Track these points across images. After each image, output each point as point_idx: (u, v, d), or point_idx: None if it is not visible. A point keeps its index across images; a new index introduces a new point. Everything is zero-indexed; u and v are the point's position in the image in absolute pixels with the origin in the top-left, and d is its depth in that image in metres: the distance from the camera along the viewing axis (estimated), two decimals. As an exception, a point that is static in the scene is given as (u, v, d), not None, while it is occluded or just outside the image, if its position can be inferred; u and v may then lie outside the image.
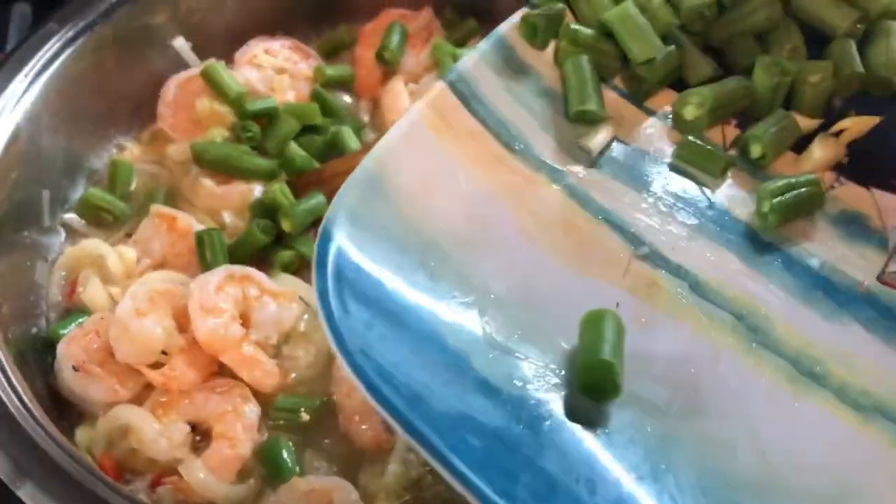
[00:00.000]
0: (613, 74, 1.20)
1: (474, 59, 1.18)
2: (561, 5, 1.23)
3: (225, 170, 1.43)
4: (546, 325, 0.97)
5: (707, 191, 1.10)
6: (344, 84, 1.61)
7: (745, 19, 1.20)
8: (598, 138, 1.15)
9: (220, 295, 1.24)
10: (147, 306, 1.23)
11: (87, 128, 1.47)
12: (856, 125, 1.15)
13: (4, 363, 1.14)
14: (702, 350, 0.97)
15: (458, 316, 0.97)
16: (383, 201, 1.02)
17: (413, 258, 0.99)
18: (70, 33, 1.40)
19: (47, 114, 1.36)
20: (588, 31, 1.19)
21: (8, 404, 1.09)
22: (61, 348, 1.24)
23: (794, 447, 0.91)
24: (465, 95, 1.14)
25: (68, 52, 1.39)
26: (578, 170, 1.11)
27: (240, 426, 1.19)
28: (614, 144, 1.14)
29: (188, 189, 1.44)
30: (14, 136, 1.30)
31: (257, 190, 1.41)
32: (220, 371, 1.25)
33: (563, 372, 0.94)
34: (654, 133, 1.15)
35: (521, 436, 0.87)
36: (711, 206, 1.08)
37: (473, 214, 1.05)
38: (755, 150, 1.11)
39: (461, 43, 1.63)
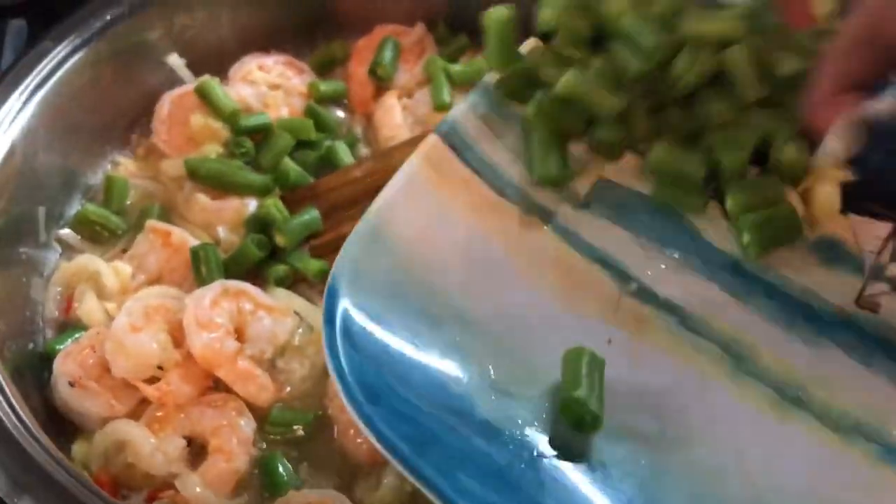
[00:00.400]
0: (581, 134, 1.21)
1: (464, 110, 1.22)
2: (529, 68, 1.24)
3: (219, 185, 1.43)
4: (542, 363, 1.01)
5: (689, 224, 1.12)
6: (337, 99, 1.62)
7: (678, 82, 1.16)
8: (583, 181, 1.18)
9: (215, 310, 1.25)
10: (142, 321, 1.24)
11: (82, 144, 1.48)
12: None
13: (1, 379, 1.14)
14: (690, 381, 1.01)
15: (460, 360, 1.02)
16: (384, 254, 1.07)
17: (415, 306, 1.04)
18: (65, 50, 1.41)
19: (43, 130, 1.37)
20: (550, 99, 1.19)
21: (5, 420, 1.09)
22: (57, 364, 1.24)
23: (778, 469, 0.94)
24: (457, 146, 1.18)
25: (64, 69, 1.40)
26: (567, 210, 1.14)
27: (235, 440, 1.20)
28: (600, 182, 1.16)
29: (183, 204, 1.45)
30: (10, 152, 1.31)
31: (251, 205, 1.42)
32: (215, 385, 1.25)
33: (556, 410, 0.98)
34: (637, 169, 1.17)
35: (523, 475, 0.91)
36: (693, 238, 1.11)
37: (470, 259, 1.10)
38: (745, 238, 1.11)
39: (454, 58, 1.64)
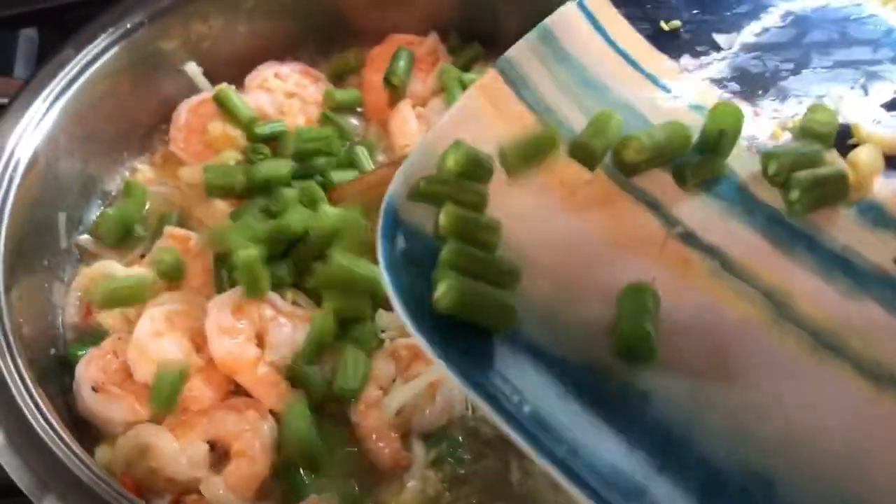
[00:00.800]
0: None
1: (522, 47, 1.23)
2: None
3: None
4: (588, 294, 1.03)
5: (734, 176, 1.15)
6: (352, 107, 1.64)
7: None
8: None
9: (236, 316, 1.27)
10: (165, 327, 1.26)
11: (101, 151, 1.49)
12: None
13: (28, 382, 1.15)
14: (731, 323, 1.04)
15: None
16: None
17: None
18: (86, 59, 1.42)
19: (64, 137, 1.39)
20: None
21: (31, 420, 1.11)
22: (80, 369, 1.26)
23: (814, 412, 0.97)
24: (514, 82, 1.20)
25: (84, 77, 1.42)
26: None
27: (258, 444, 1.21)
28: None
29: (201, 211, 1.46)
30: (34, 159, 1.33)
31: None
32: (236, 389, 1.27)
33: (602, 341, 0.99)
34: (691, 120, 1.19)
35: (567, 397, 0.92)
36: (739, 190, 1.14)
37: (519, 191, 1.11)
38: (793, 195, 1.13)
39: (466, 67, 1.66)
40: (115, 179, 1.52)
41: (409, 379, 1.24)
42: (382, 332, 1.30)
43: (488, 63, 1.65)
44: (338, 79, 1.68)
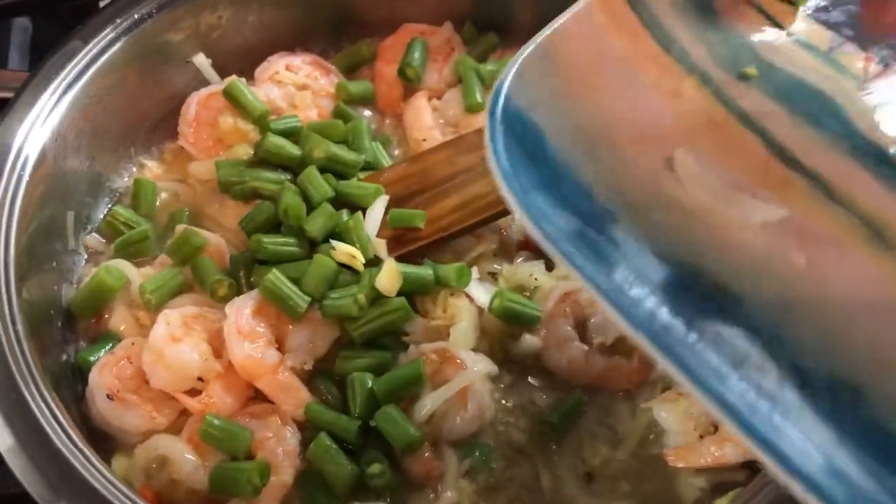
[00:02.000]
0: None
1: None
2: None
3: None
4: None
5: (843, 111, 1.16)
6: (366, 100, 1.58)
7: None
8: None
9: (255, 319, 1.22)
10: (181, 331, 1.21)
11: (109, 147, 1.44)
12: None
13: (42, 387, 1.10)
14: (830, 245, 1.05)
15: (613, 180, 1.04)
16: (550, 73, 1.10)
17: (573, 121, 1.07)
18: (91, 52, 1.37)
19: (72, 133, 1.34)
20: None
21: (45, 425, 1.07)
22: (93, 377, 1.21)
23: None
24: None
25: (92, 70, 1.36)
26: (729, 79, 1.18)
27: (281, 452, 1.17)
28: (763, 63, 1.20)
29: (215, 209, 1.41)
30: (41, 156, 1.28)
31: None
32: (255, 395, 1.22)
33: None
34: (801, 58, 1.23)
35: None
36: (845, 124, 1.15)
37: (627, 103, 1.14)
38: None
39: (482, 58, 1.61)
40: (122, 177, 1.47)
41: (438, 385, 1.19)
42: (406, 335, 1.26)
43: (506, 53, 1.61)
44: (349, 71, 1.63)
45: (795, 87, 1.20)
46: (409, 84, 1.58)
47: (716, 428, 1.21)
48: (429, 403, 1.18)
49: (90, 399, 1.20)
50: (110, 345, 1.26)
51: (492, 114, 1.00)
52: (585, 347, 1.27)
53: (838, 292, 1.02)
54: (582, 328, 1.29)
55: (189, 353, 1.19)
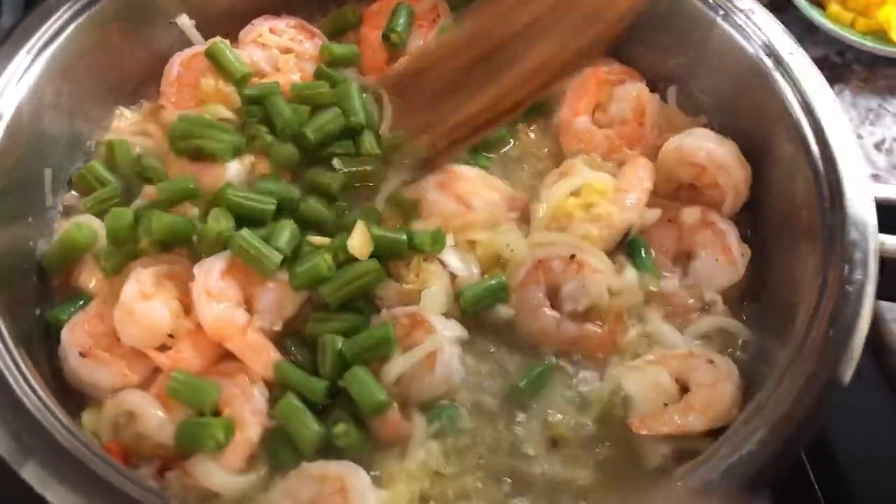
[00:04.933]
0: None
1: None
2: None
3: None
4: None
5: None
6: (349, 63, 1.57)
7: None
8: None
9: (225, 281, 1.22)
10: (152, 289, 1.22)
11: (89, 105, 1.44)
12: None
13: (10, 344, 1.12)
14: None
15: None
16: None
17: None
18: (72, 10, 1.36)
19: (50, 91, 1.33)
20: None
21: (13, 384, 1.08)
22: (65, 334, 1.22)
23: None
24: None
25: (70, 28, 1.36)
26: None
27: (248, 409, 1.18)
28: None
29: (170, 165, 1.40)
30: (17, 114, 1.27)
31: (233, 168, 1.37)
32: (226, 354, 1.23)
33: None
34: None
35: None
36: None
37: None
38: None
39: (469, 24, 1.60)
40: (103, 136, 1.46)
41: (408, 348, 1.20)
42: (379, 298, 1.27)
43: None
44: (335, 35, 1.62)
45: None
46: (394, 49, 1.57)
47: (680, 397, 1.21)
48: (397, 366, 1.19)
49: (63, 356, 1.21)
50: (81, 302, 1.26)
51: None
52: (557, 315, 1.28)
53: None
54: (554, 296, 1.29)
55: (159, 310, 1.20)
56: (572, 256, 1.29)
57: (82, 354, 1.19)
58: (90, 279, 1.28)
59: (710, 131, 1.41)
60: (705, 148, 1.36)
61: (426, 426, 1.19)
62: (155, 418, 1.15)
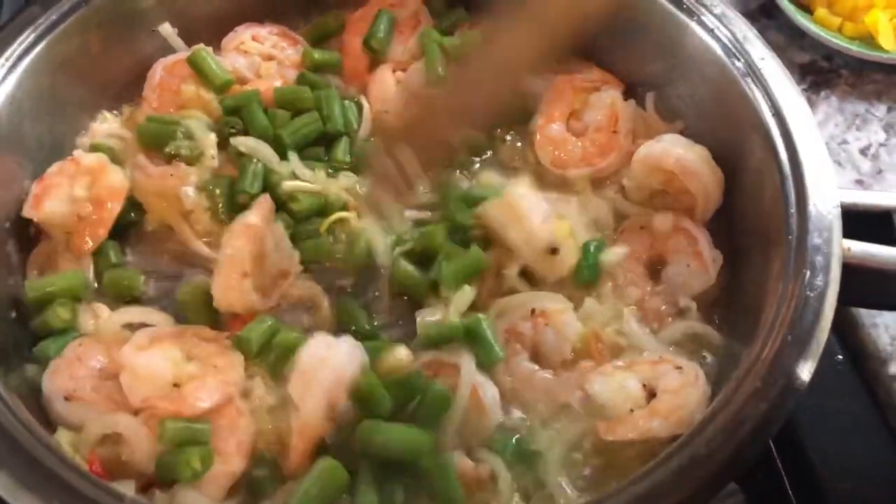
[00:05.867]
0: None
1: None
2: None
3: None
4: None
5: None
6: (331, 69, 1.59)
7: None
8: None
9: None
10: (148, 343, 1.23)
11: (70, 113, 1.46)
12: None
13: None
14: None
15: None
16: None
17: None
18: (53, 17, 1.38)
19: (28, 100, 1.35)
20: None
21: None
22: (46, 383, 1.21)
23: None
24: None
25: (51, 36, 1.38)
26: None
27: (234, 442, 1.18)
28: None
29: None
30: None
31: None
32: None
33: None
34: None
35: None
36: None
37: None
38: None
39: (449, 31, 1.61)
40: (85, 144, 1.48)
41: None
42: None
43: (474, 27, 1.60)
44: (317, 42, 1.63)
45: None
46: (375, 56, 1.58)
47: (648, 402, 1.22)
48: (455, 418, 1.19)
49: (47, 404, 1.21)
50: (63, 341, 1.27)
51: None
52: (551, 373, 1.28)
53: None
54: (538, 352, 1.29)
55: (159, 361, 1.20)
56: (532, 311, 1.29)
57: (67, 399, 1.20)
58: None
59: (680, 137, 1.41)
60: (674, 154, 1.35)
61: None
62: (144, 450, 1.16)
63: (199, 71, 1.49)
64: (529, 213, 1.29)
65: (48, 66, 1.38)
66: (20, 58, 1.34)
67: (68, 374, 1.22)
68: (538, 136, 1.49)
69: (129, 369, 1.19)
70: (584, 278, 1.33)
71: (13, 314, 1.30)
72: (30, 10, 1.37)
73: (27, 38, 1.35)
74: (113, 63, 1.50)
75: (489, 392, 1.21)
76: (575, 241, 1.33)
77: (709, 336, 1.31)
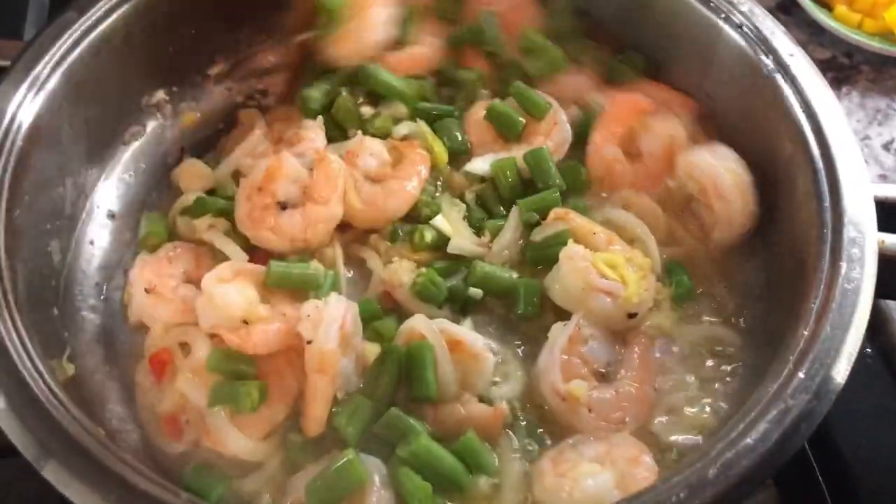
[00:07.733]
0: None
1: None
2: None
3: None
4: None
5: None
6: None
7: None
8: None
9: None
10: (230, 276, 1.28)
11: (106, 116, 1.47)
12: None
13: (29, 346, 1.15)
14: None
15: None
16: None
17: None
18: (89, 21, 1.39)
19: (67, 103, 1.36)
20: None
21: (33, 387, 1.11)
22: (134, 273, 1.34)
23: None
24: None
25: (88, 40, 1.38)
26: None
27: (281, 386, 1.25)
28: None
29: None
30: (35, 124, 1.30)
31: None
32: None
33: None
34: None
35: None
36: None
37: None
38: None
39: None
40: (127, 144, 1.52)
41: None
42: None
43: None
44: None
45: None
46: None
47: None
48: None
49: (129, 292, 1.35)
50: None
51: None
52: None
53: None
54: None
55: (234, 294, 1.25)
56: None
57: (147, 290, 1.30)
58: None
59: (730, 153, 1.41)
60: (713, 170, 1.37)
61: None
62: (203, 355, 1.24)
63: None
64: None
65: (86, 70, 1.38)
66: (59, 62, 1.34)
67: (156, 270, 1.33)
68: (591, 155, 1.49)
69: (207, 296, 1.25)
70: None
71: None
72: (67, 14, 1.38)
73: (65, 42, 1.35)
74: (147, 68, 1.51)
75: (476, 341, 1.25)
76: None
77: (728, 339, 1.33)
